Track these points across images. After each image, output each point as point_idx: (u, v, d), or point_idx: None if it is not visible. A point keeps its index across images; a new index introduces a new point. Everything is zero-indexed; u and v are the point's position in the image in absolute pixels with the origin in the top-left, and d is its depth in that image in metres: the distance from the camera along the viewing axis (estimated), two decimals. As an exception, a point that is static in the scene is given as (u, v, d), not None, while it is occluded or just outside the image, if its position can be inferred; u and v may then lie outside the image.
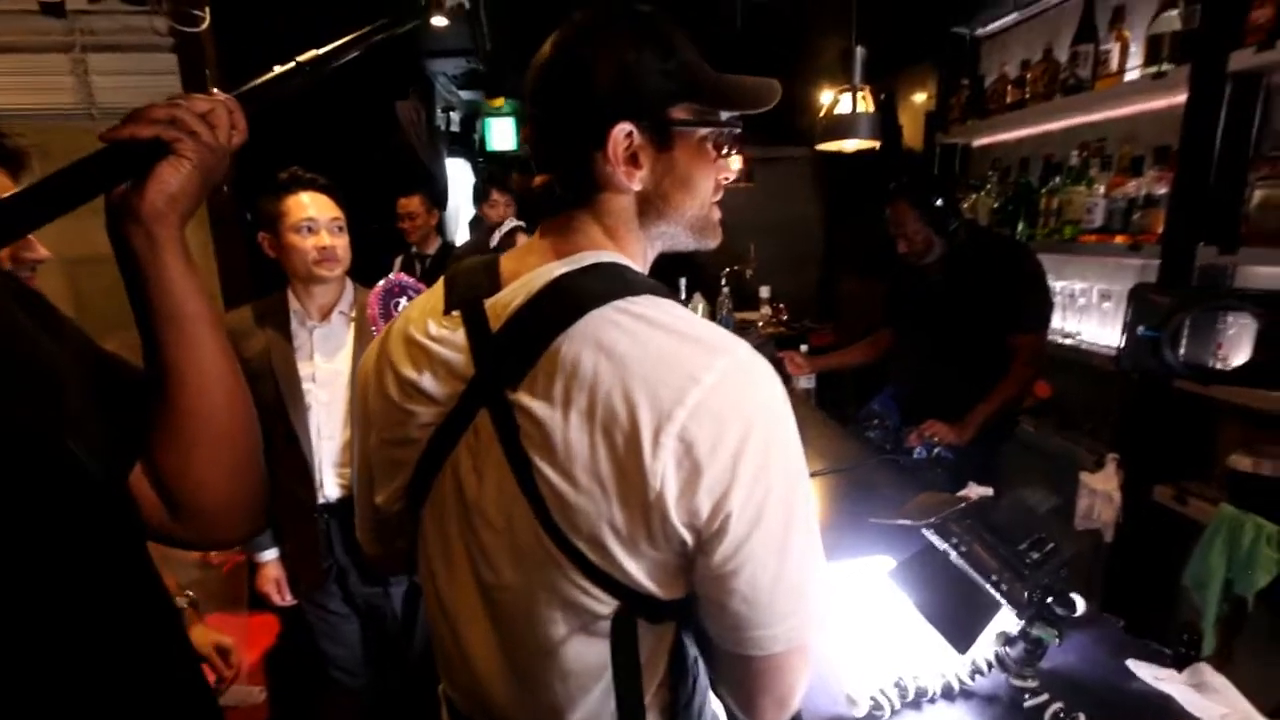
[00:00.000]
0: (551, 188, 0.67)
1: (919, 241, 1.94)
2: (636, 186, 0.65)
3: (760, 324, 3.61)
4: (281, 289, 1.63)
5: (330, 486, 1.61)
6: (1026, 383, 1.99)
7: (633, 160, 0.64)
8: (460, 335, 0.64)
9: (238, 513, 0.70)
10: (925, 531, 0.80)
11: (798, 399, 2.52)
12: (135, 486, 0.65)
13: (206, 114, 0.61)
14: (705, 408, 0.54)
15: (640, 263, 0.70)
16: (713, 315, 3.37)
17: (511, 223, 1.88)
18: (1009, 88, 2.45)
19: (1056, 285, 2.29)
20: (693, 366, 0.55)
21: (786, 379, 2.53)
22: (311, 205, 1.54)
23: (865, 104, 1.21)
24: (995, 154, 2.73)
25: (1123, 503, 1.95)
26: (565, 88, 0.63)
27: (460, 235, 4.38)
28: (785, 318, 3.77)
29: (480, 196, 3.11)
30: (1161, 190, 1.87)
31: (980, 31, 2.80)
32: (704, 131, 0.68)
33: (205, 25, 1.58)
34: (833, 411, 2.44)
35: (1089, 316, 2.26)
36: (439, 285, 0.72)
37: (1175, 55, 1.80)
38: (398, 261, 3.37)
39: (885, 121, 3.44)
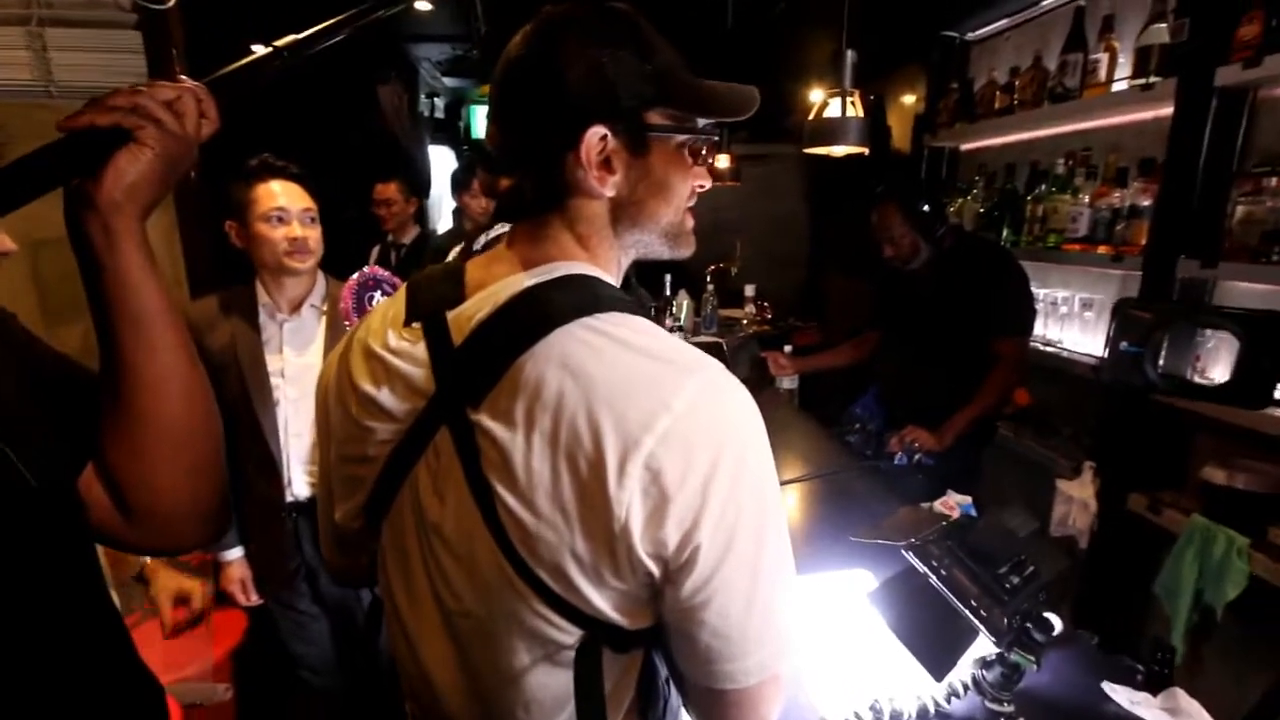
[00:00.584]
0: (520, 190, 0.63)
1: (905, 246, 1.93)
2: (610, 192, 0.62)
3: (744, 322, 3.59)
4: (249, 280, 1.58)
5: (299, 484, 1.56)
6: (1007, 389, 1.99)
7: (606, 165, 0.61)
8: (421, 349, 0.61)
9: (195, 519, 0.67)
10: (905, 553, 0.78)
11: (780, 400, 2.51)
12: (86, 489, 0.62)
13: (172, 102, 0.58)
14: (675, 434, 0.52)
15: (614, 271, 0.67)
16: (697, 313, 3.35)
17: (501, 228, 1.83)
18: (998, 93, 2.45)
19: (1039, 293, 2.30)
20: (662, 390, 0.53)
21: (770, 380, 2.52)
22: (283, 194, 1.48)
23: (855, 109, 1.18)
24: (982, 159, 2.73)
25: (1098, 510, 1.97)
26: (536, 85, 0.60)
27: (444, 224, 4.30)
28: (770, 316, 3.75)
29: (460, 185, 3.03)
30: (1146, 202, 1.87)
31: (970, 35, 2.79)
32: (681, 138, 0.65)
33: (172, 3, 1.51)
34: (816, 412, 2.43)
35: (1070, 325, 2.27)
36: (401, 293, 0.68)
37: (1163, 68, 1.79)
38: (374, 250, 3.29)
39: (874, 123, 3.43)
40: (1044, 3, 2.38)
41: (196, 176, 1.61)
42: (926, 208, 1.93)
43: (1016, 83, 2.34)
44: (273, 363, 1.54)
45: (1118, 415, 1.94)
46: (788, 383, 2.54)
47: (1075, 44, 2.10)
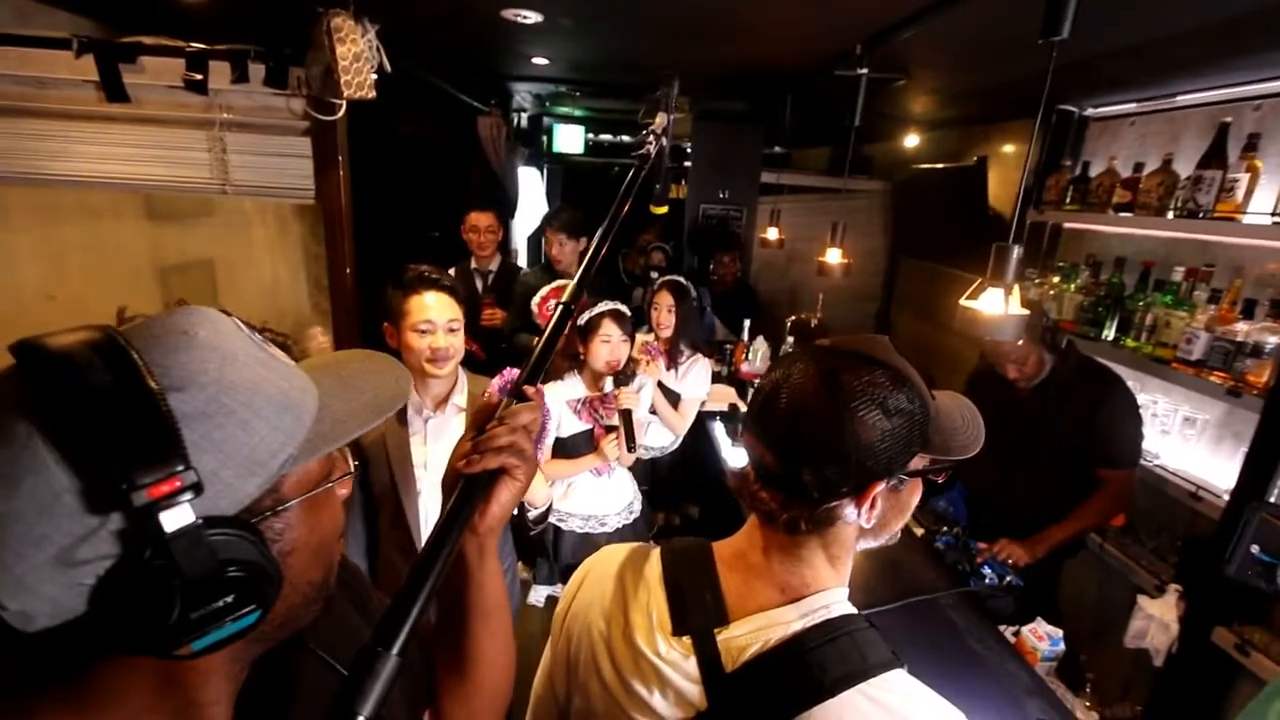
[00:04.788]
0: (797, 524, 0.70)
1: (1032, 364, 1.93)
2: (869, 525, 0.71)
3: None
4: (398, 374, 1.69)
5: (433, 567, 1.70)
6: (1108, 516, 2.01)
7: (872, 504, 0.69)
8: (692, 665, 0.70)
9: None
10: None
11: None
12: None
13: (529, 424, 0.65)
14: None
15: (847, 576, 0.75)
16: (774, 357, 3.38)
17: (605, 305, 1.94)
18: (1118, 186, 2.38)
19: (1137, 399, 2.28)
20: None
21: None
22: (433, 307, 1.58)
23: (1016, 304, 1.21)
24: (1088, 244, 2.67)
25: (1179, 634, 2.00)
26: (831, 446, 0.66)
27: (519, 240, 4.36)
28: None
29: (543, 233, 3.11)
30: (1272, 340, 1.84)
31: (1090, 112, 2.70)
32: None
33: (341, 114, 1.60)
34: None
35: (1169, 434, 2.26)
36: (655, 579, 0.77)
37: (1313, 210, 1.75)
38: (452, 273, 3.39)
39: (975, 181, 3.36)
40: (1178, 99, 2.30)
41: (351, 273, 1.72)
42: (1046, 321, 1.94)
43: (1141, 183, 2.27)
44: (416, 455, 1.67)
45: (1208, 543, 1.95)
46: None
47: (1214, 159, 2.03)
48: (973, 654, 1.55)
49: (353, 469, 0.56)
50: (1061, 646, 1.70)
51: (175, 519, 0.38)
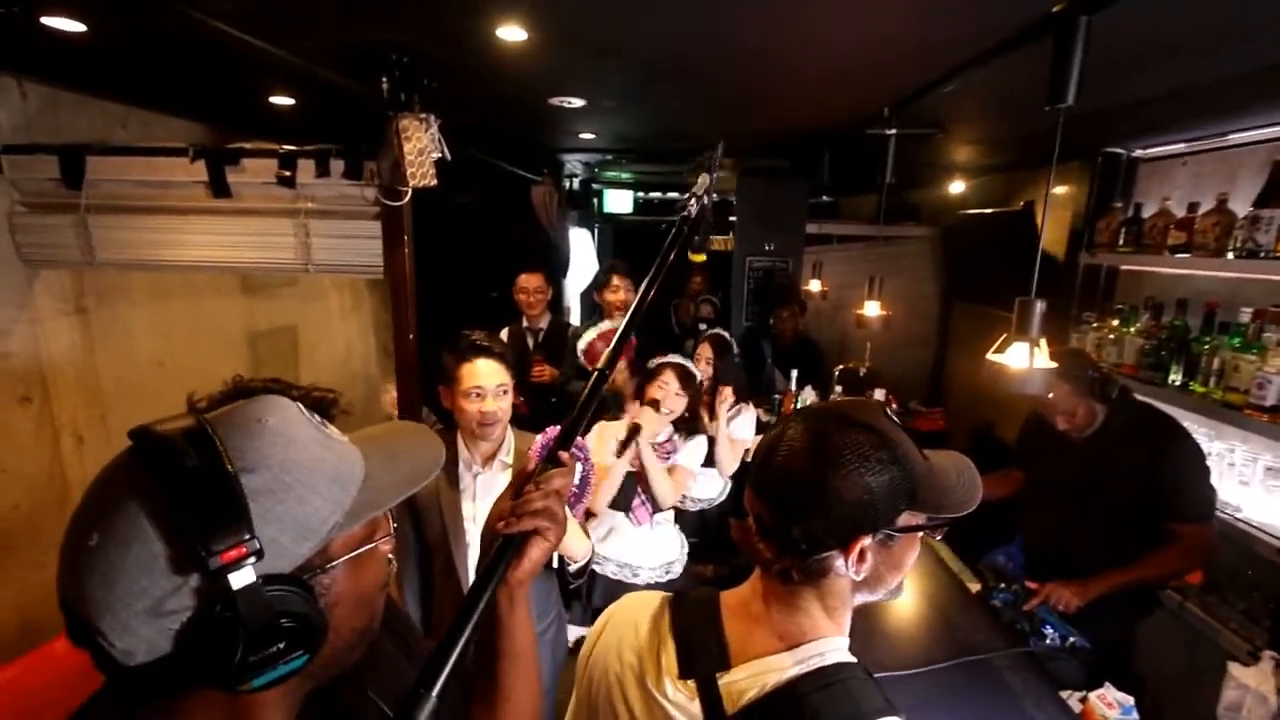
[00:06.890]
0: (787, 572, 0.75)
1: (1081, 415, 1.89)
2: (859, 578, 0.74)
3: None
4: (453, 430, 1.82)
5: (482, 616, 1.78)
6: (1180, 571, 1.89)
7: (861, 557, 0.73)
8: (696, 707, 0.74)
9: None
10: None
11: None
12: None
13: (561, 489, 0.71)
14: None
15: (846, 626, 0.78)
16: (822, 407, 3.37)
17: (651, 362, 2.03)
18: (1172, 228, 2.32)
19: (1212, 447, 2.15)
20: None
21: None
22: (483, 373, 1.69)
23: (1043, 358, 1.21)
24: (1146, 285, 2.58)
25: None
26: (816, 502, 0.71)
27: (572, 298, 4.55)
28: (894, 407, 3.70)
29: (600, 286, 3.26)
30: (1353, 385, 1.73)
31: (1139, 153, 2.65)
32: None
33: (407, 200, 1.79)
34: (950, 539, 2.39)
35: (1248, 484, 2.11)
36: (662, 616, 0.82)
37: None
38: (505, 333, 3.57)
39: (1024, 226, 3.32)
40: (1230, 138, 2.24)
41: (415, 337, 1.88)
42: (1093, 372, 1.89)
43: (1196, 224, 2.21)
44: (466, 509, 1.77)
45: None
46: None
47: (1274, 197, 1.97)
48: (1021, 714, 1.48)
49: (392, 530, 0.65)
50: (1135, 715, 1.59)
51: (240, 579, 0.48)
